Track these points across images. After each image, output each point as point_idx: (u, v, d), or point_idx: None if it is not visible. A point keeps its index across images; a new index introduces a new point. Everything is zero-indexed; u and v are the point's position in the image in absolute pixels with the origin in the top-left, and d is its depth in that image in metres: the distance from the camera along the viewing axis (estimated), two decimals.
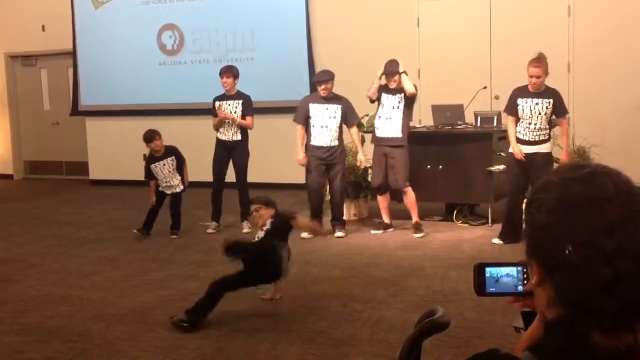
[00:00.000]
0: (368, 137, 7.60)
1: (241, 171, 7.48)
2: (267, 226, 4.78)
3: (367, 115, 7.79)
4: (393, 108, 6.89)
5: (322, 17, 9.84)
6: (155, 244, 7.06)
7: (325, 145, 7.06)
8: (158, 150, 7.31)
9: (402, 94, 6.82)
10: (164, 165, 7.32)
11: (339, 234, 7.03)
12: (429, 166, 7.19)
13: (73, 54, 11.45)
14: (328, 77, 7.06)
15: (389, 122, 6.91)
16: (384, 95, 6.93)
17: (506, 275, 1.44)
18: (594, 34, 8.36)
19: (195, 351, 4.13)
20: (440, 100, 7.78)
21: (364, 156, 7.22)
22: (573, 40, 8.52)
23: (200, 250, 6.73)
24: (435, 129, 7.48)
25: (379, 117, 7.00)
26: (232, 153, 7.49)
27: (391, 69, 6.78)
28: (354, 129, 7.19)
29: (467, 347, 4.00)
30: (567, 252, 1.03)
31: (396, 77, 6.75)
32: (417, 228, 6.86)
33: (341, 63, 9.59)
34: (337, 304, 4.90)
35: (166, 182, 7.35)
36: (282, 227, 4.79)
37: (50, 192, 11.04)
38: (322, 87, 7.00)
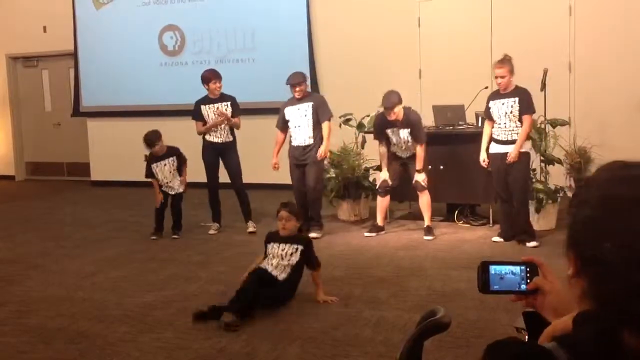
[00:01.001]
0: (369, 137, 7.59)
1: (237, 172, 7.45)
2: (295, 257, 4.96)
3: (368, 116, 7.79)
4: (405, 140, 6.87)
5: (323, 18, 9.84)
6: (156, 245, 7.06)
7: (300, 145, 7.10)
8: (159, 152, 7.34)
9: (410, 129, 6.77)
10: (164, 165, 7.32)
11: (313, 234, 6.79)
12: (430, 166, 7.18)
13: (74, 54, 11.46)
14: (300, 79, 7.11)
15: (407, 149, 6.94)
16: (389, 130, 6.88)
17: (510, 273, 1.46)
18: (595, 34, 8.36)
19: (197, 352, 4.13)
20: (441, 100, 7.78)
21: (326, 151, 7.13)
22: (574, 40, 8.51)
23: (200, 251, 6.73)
24: (436, 130, 7.47)
25: (394, 144, 6.97)
26: (223, 155, 7.44)
27: (388, 102, 6.64)
28: (326, 124, 7.11)
29: (468, 348, 4.00)
30: (605, 250, 1.03)
31: (396, 110, 6.65)
32: (428, 231, 6.85)
33: (342, 63, 9.62)
34: (338, 304, 4.90)
35: (167, 182, 7.35)
36: (305, 264, 5.01)
37: (52, 193, 11.05)
38: (297, 89, 7.03)
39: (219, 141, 7.40)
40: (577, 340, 1.06)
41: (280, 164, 7.26)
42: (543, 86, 6.91)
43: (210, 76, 7.35)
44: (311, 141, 7.08)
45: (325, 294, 5.06)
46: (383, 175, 7.07)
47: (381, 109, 6.85)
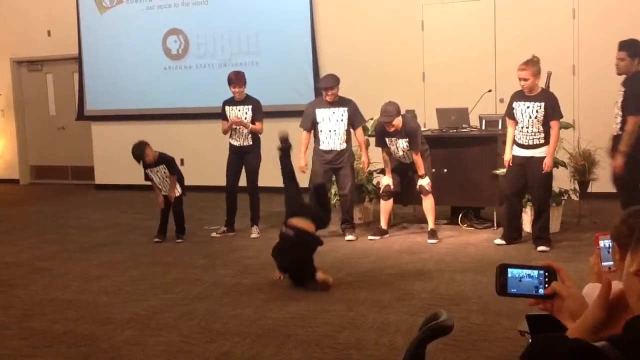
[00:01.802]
0: (373, 140, 7.58)
1: (252, 176, 7.43)
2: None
3: (372, 119, 7.79)
4: (404, 150, 6.89)
5: (327, 21, 9.85)
6: (160, 248, 7.07)
7: (334, 149, 7.09)
8: (151, 159, 7.31)
9: (406, 139, 6.77)
10: (157, 172, 7.33)
11: (349, 237, 7.03)
12: (433, 169, 7.18)
13: (78, 58, 11.49)
14: (334, 83, 7.06)
15: (405, 158, 6.96)
16: (388, 140, 6.91)
17: (528, 277, 1.46)
18: (599, 37, 8.35)
19: (201, 355, 4.13)
20: (445, 103, 7.78)
21: (368, 159, 7.22)
22: (578, 43, 8.51)
23: (205, 254, 6.74)
24: (440, 132, 7.47)
25: (394, 153, 6.99)
26: (244, 158, 7.45)
27: (386, 115, 6.66)
28: (359, 131, 7.22)
29: (472, 351, 4.00)
30: None
31: (394, 122, 6.66)
32: (432, 234, 6.85)
33: (346, 67, 9.61)
34: (342, 307, 4.90)
35: (162, 187, 7.37)
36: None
37: (56, 196, 11.07)
38: (329, 93, 7.00)
39: (238, 144, 7.42)
40: (634, 341, 1.05)
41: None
42: (547, 89, 6.90)
43: (230, 79, 7.33)
44: (344, 145, 7.09)
45: (328, 296, 5.07)
46: (386, 181, 7.07)
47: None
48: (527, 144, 6.27)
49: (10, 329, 4.74)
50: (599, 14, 8.38)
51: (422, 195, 6.88)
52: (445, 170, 7.27)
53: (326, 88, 7.03)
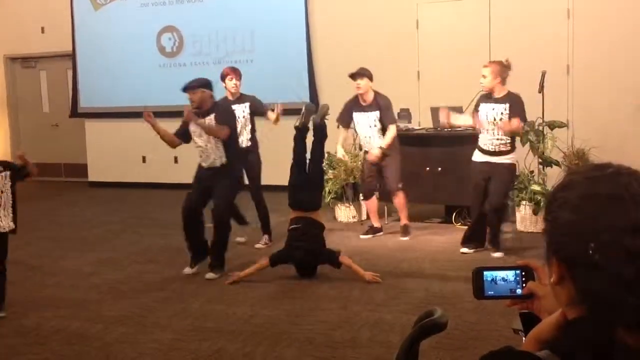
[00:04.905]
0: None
1: (255, 182, 7.00)
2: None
3: None
4: (370, 127, 6.78)
5: (321, 19, 9.84)
6: (154, 247, 7.05)
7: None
8: None
9: (377, 112, 6.67)
10: None
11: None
12: (427, 168, 7.18)
13: (72, 55, 11.45)
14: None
15: (369, 140, 6.82)
16: (355, 115, 6.80)
17: (504, 279, 1.46)
18: (593, 37, 8.37)
19: (194, 353, 4.12)
20: (439, 102, 7.77)
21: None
22: (572, 42, 8.51)
23: None
24: (434, 131, 7.47)
25: (358, 134, 6.89)
26: (245, 159, 6.85)
27: (359, 69, 6.62)
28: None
29: (465, 349, 4.00)
30: (590, 250, 1.03)
31: (362, 83, 6.56)
32: (405, 231, 6.84)
33: (340, 64, 9.60)
34: (336, 306, 4.89)
35: None
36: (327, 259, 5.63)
37: (49, 194, 11.03)
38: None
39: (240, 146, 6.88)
40: (570, 345, 1.06)
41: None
42: (541, 88, 6.91)
43: (227, 72, 7.06)
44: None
45: (322, 295, 5.07)
46: (340, 152, 6.98)
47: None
48: (492, 150, 6.00)
49: (3, 327, 4.73)
50: (593, 14, 8.39)
51: (391, 195, 6.84)
52: (440, 169, 7.27)
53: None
